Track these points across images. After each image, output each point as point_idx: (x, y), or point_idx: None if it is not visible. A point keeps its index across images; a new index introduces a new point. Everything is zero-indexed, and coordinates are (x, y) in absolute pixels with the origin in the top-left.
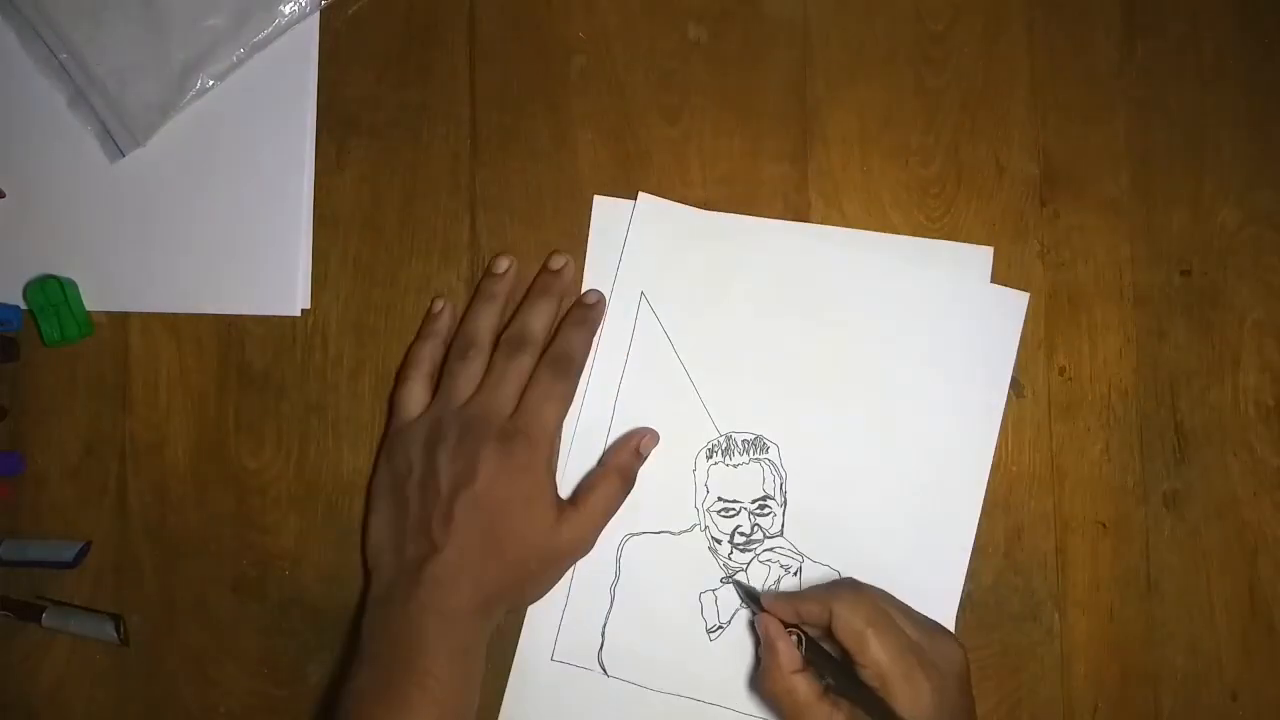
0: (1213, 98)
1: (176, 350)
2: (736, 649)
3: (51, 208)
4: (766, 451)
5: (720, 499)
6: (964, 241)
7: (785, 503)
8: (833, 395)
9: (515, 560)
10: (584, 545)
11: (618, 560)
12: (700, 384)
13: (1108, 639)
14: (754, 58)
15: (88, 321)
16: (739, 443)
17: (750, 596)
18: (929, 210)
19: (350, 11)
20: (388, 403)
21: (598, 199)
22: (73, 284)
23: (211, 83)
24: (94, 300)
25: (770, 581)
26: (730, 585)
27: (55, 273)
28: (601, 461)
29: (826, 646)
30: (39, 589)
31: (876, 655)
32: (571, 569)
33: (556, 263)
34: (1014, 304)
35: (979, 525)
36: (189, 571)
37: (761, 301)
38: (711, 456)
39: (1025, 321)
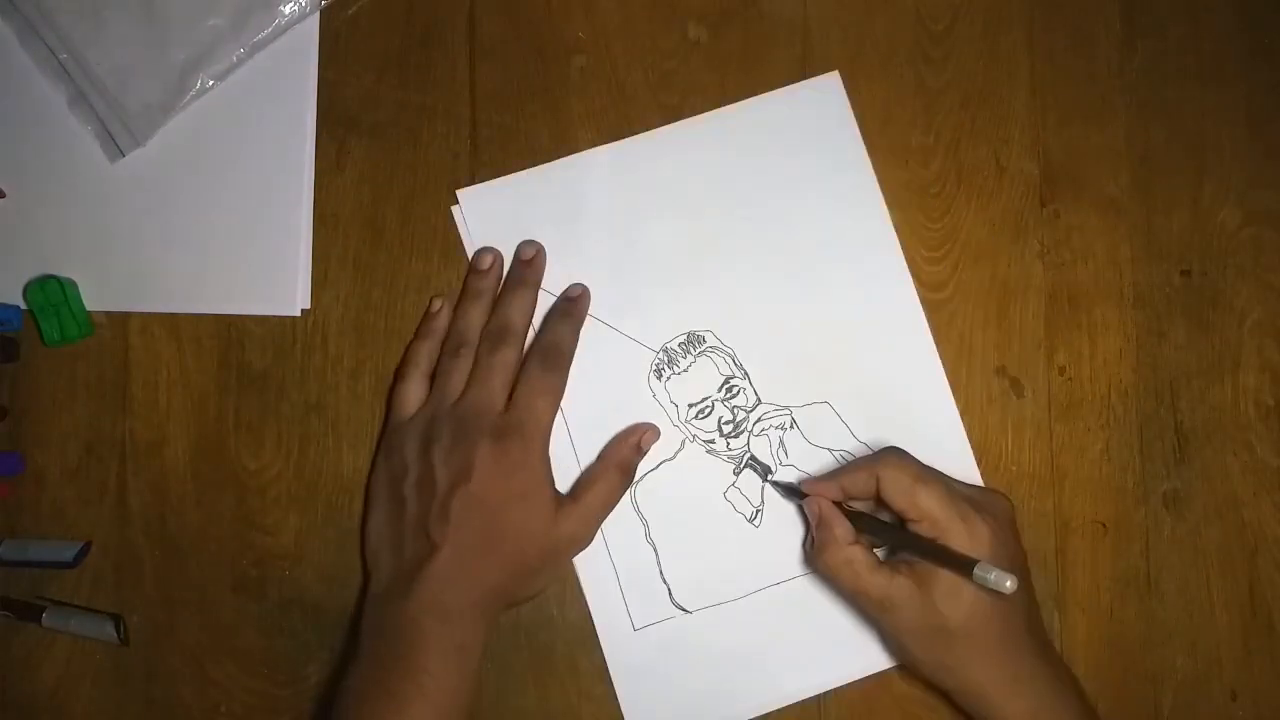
0: (1213, 98)
1: (176, 350)
2: (785, 520)
3: (51, 208)
4: (705, 342)
5: (690, 405)
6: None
7: (747, 373)
8: (731, 259)
9: (513, 556)
10: (582, 540)
11: (637, 510)
12: (613, 320)
13: (1108, 639)
14: (754, 58)
15: (88, 321)
16: (676, 349)
17: (790, 490)
18: (929, 210)
19: (350, 11)
20: (386, 401)
21: (454, 209)
22: (73, 284)
23: (211, 83)
24: (94, 300)
25: (775, 447)
26: (746, 470)
27: (55, 273)
28: (601, 456)
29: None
30: (39, 589)
31: (929, 505)
32: (604, 541)
33: (527, 252)
34: (829, 85)
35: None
36: (189, 571)
37: (623, 219)
38: (661, 374)
39: (1023, 312)
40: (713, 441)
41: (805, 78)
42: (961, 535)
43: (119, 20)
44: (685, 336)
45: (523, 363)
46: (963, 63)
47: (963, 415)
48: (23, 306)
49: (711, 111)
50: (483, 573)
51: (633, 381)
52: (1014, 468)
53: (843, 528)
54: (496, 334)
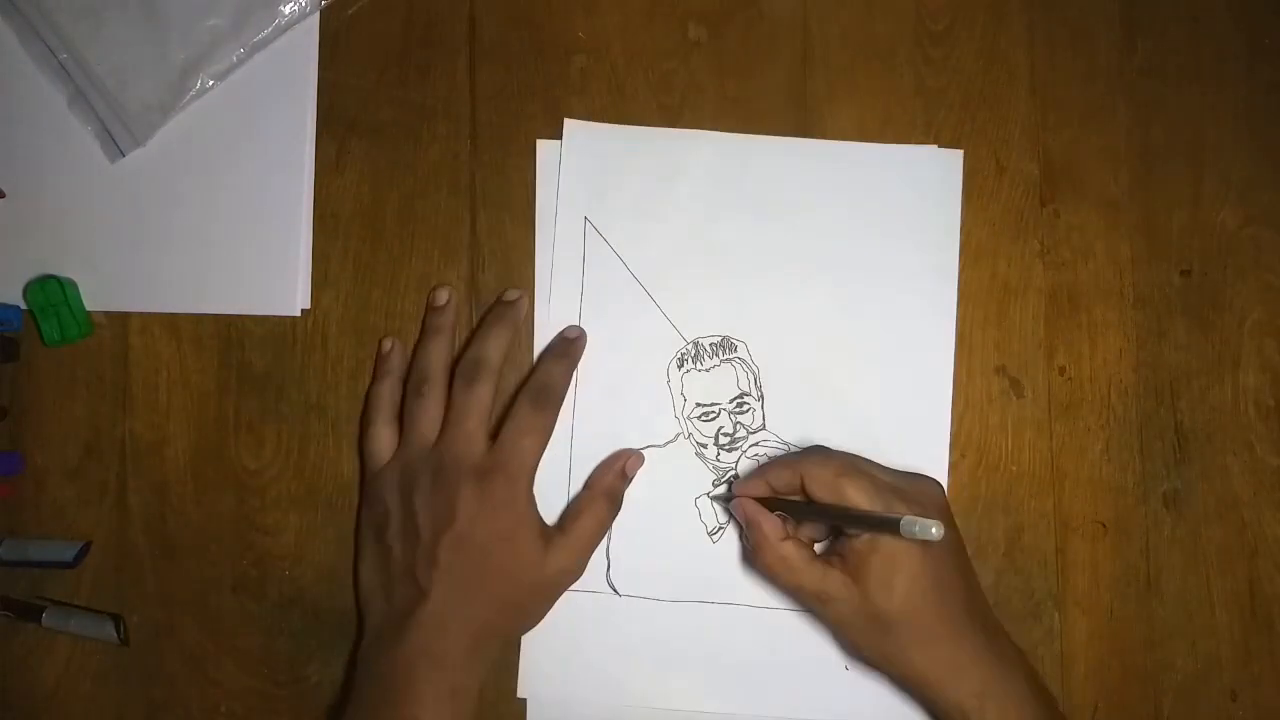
0: (1213, 97)
1: (176, 350)
2: (736, 547)
3: (51, 208)
4: (735, 350)
5: (699, 404)
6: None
7: (762, 397)
8: (792, 285)
9: (504, 597)
10: (573, 572)
11: None
12: (659, 296)
13: (1108, 639)
14: (754, 58)
15: (88, 321)
16: (707, 346)
17: (724, 497)
18: None
19: (350, 11)
20: (357, 449)
21: (540, 143)
22: (73, 284)
23: (211, 83)
24: (94, 300)
25: None
26: (725, 486)
27: (55, 273)
28: (587, 485)
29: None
30: (39, 589)
31: (855, 499)
32: (565, 497)
33: (511, 295)
34: (949, 162)
35: (979, 525)
36: (189, 571)
37: (707, 206)
38: (683, 365)
39: (1023, 312)
40: (705, 447)
41: (805, 78)
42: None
43: (119, 20)
44: (719, 338)
45: (512, 399)
46: (963, 63)
47: (963, 416)
48: (23, 306)
49: (828, 140)
50: (474, 615)
51: (654, 360)
52: (1014, 468)
53: (771, 525)
54: (471, 369)
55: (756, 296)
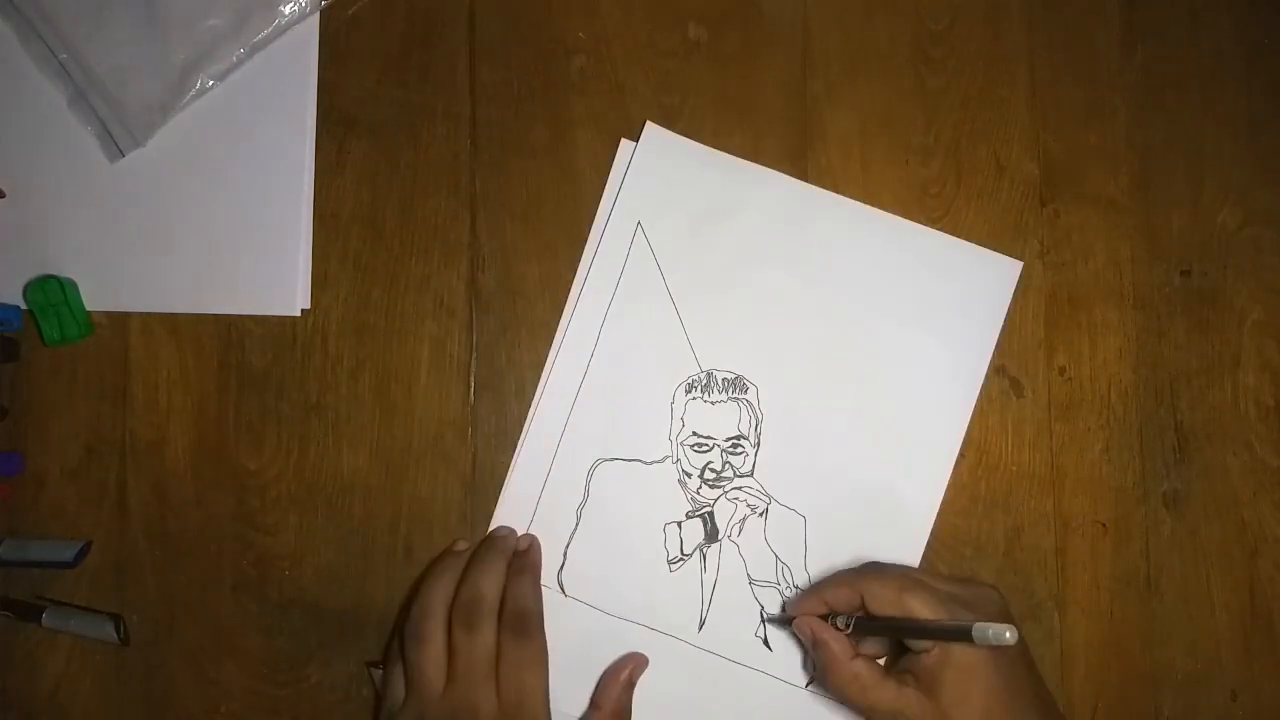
0: (1213, 97)
1: (176, 350)
2: (693, 582)
3: (51, 208)
4: (746, 392)
5: (695, 434)
6: (979, 245)
7: (759, 444)
8: (818, 346)
9: None
10: None
11: (587, 483)
12: (687, 318)
13: (1108, 639)
14: (754, 58)
15: (88, 321)
16: (719, 380)
17: (780, 619)
18: (929, 210)
19: (350, 11)
20: (379, 688)
21: (623, 142)
22: (73, 284)
23: (211, 83)
24: (94, 300)
25: (736, 519)
26: (696, 520)
27: (55, 273)
28: (595, 704)
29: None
30: (39, 589)
31: (920, 613)
32: (541, 486)
33: (500, 533)
34: (1006, 271)
35: (979, 525)
36: (189, 571)
37: (758, 246)
38: (691, 391)
39: (1023, 312)
40: (690, 477)
41: (805, 78)
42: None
43: (119, 20)
44: (733, 375)
45: (497, 639)
46: (963, 63)
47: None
48: (23, 306)
49: (896, 217)
50: None
51: (664, 379)
52: (1014, 468)
53: (840, 644)
54: (470, 611)
55: (781, 346)
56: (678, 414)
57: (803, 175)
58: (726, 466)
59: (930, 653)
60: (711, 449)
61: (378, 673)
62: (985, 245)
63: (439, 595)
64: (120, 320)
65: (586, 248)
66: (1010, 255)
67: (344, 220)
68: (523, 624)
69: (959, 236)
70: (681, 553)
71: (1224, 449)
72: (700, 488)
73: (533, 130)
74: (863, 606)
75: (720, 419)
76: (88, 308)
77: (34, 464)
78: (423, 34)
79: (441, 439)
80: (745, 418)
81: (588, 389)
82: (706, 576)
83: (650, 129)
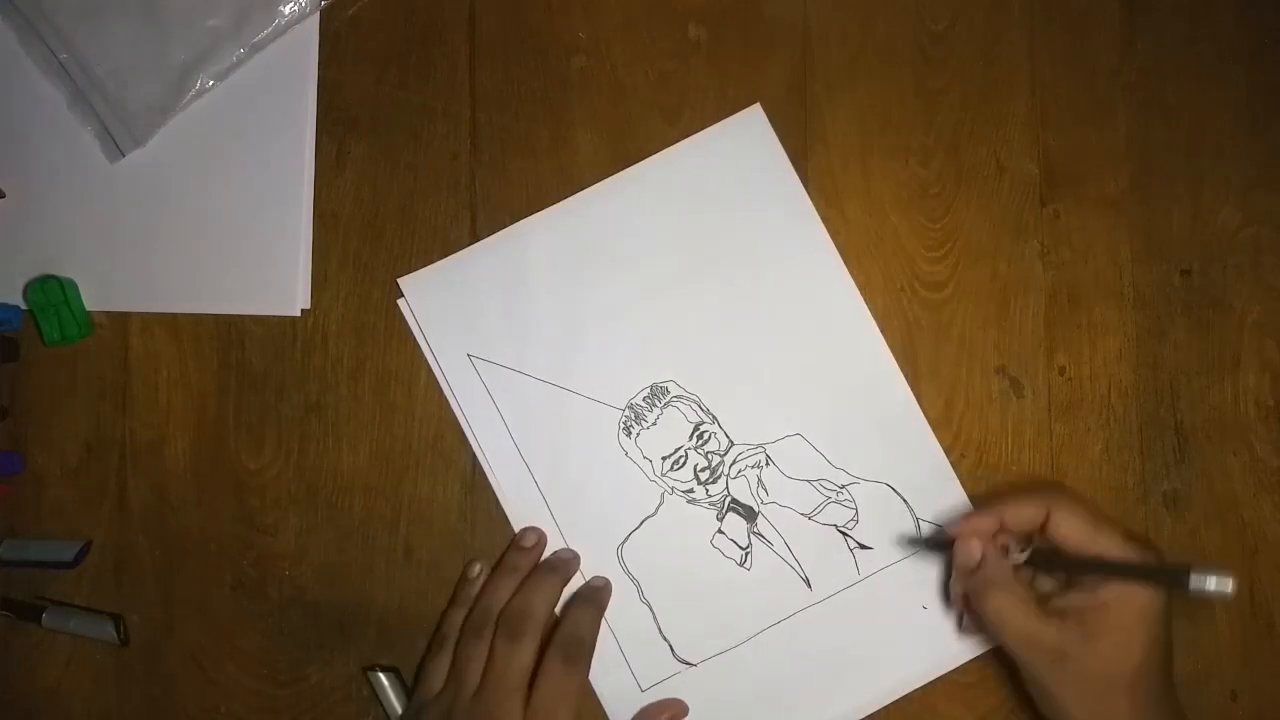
0: (1213, 98)
1: (176, 350)
2: (773, 561)
3: (51, 208)
4: (668, 393)
5: (664, 458)
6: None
7: (715, 417)
8: (682, 307)
9: None
10: None
11: (627, 571)
12: (574, 385)
13: None
14: (754, 58)
15: (88, 321)
16: (641, 404)
17: (936, 543)
18: (929, 210)
19: (350, 11)
20: (416, 670)
21: (400, 302)
22: (73, 284)
23: (211, 83)
24: (94, 300)
25: (754, 486)
26: (729, 514)
27: (55, 273)
28: None
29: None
30: (39, 589)
31: (1113, 554)
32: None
33: (566, 554)
34: (752, 120)
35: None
36: (189, 571)
37: (565, 280)
38: (630, 431)
39: (1023, 312)
40: (692, 490)
41: (805, 78)
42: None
43: (119, 20)
44: (649, 390)
45: (543, 650)
46: (963, 63)
47: (963, 416)
48: (23, 306)
49: (639, 163)
50: None
51: (603, 442)
52: (1014, 468)
53: (1003, 569)
54: (516, 623)
55: (659, 335)
56: (639, 456)
57: (803, 175)
58: (709, 456)
59: (1096, 594)
60: (686, 455)
61: (376, 676)
62: (985, 244)
63: (500, 596)
64: (120, 320)
65: (448, 399)
66: (1010, 255)
67: (344, 220)
68: (573, 650)
69: (958, 239)
70: (741, 548)
71: (1224, 449)
72: (707, 490)
73: (533, 130)
74: (1045, 528)
75: (671, 429)
76: (88, 308)
77: (34, 464)
78: (423, 34)
79: (441, 439)
80: (687, 410)
81: (556, 507)
82: (777, 546)
83: (404, 282)
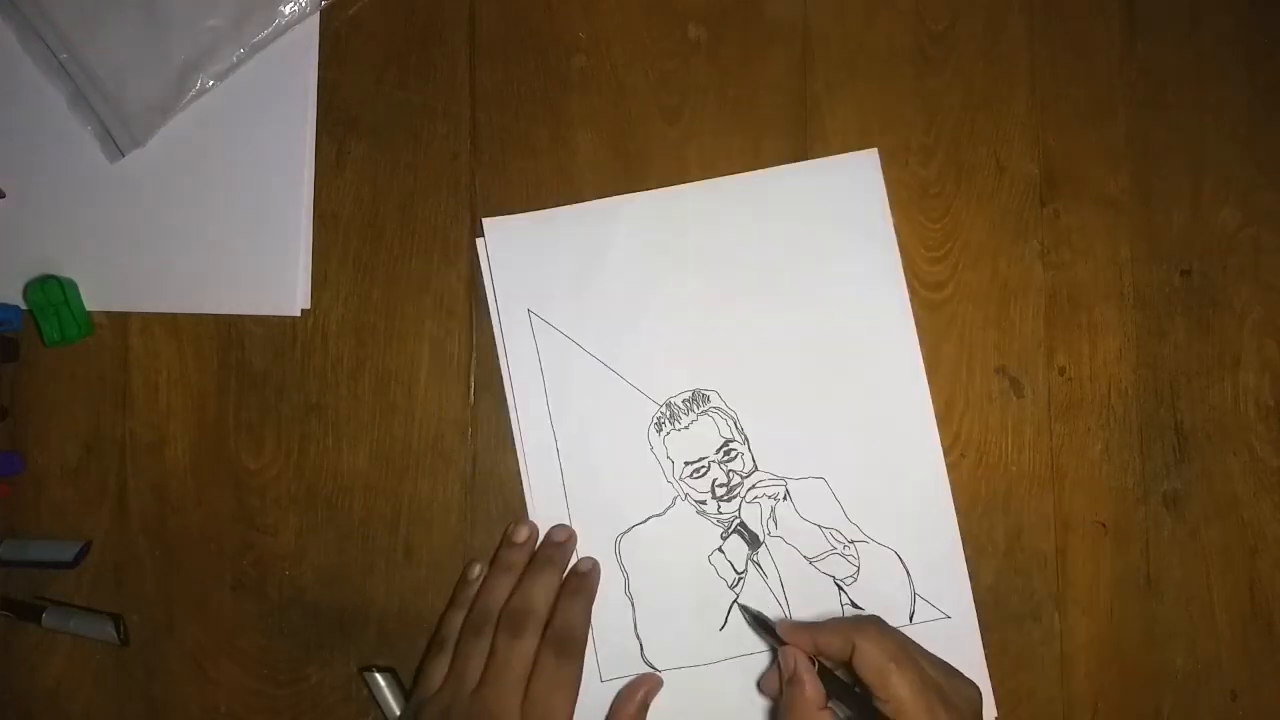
0: (1213, 98)
1: (176, 350)
2: (764, 592)
3: (51, 208)
4: (709, 401)
5: (687, 463)
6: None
7: (747, 439)
8: (747, 323)
9: None
10: None
11: (620, 562)
12: (620, 368)
13: (1108, 639)
14: (754, 58)
15: (88, 321)
16: (680, 405)
17: (765, 627)
18: (929, 210)
19: (350, 11)
20: (415, 672)
21: (479, 241)
22: (73, 284)
23: (211, 83)
24: (94, 300)
25: (766, 516)
26: (734, 536)
27: (55, 273)
28: None
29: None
30: (39, 589)
31: (899, 691)
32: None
33: (559, 535)
34: (867, 164)
35: (979, 525)
36: (189, 571)
37: (644, 267)
38: (661, 428)
39: (1023, 312)
40: (704, 503)
41: (805, 78)
42: None
43: (119, 20)
44: (690, 394)
45: (537, 649)
46: (963, 63)
47: (962, 416)
48: (23, 306)
49: (745, 174)
50: None
51: (632, 431)
52: (1014, 468)
53: (815, 690)
54: (517, 620)
55: (715, 343)
56: (662, 455)
57: None
58: (731, 475)
59: (892, 709)
60: (709, 467)
61: (372, 677)
62: (985, 244)
63: (499, 595)
64: (120, 320)
65: (497, 349)
66: (1010, 255)
67: (344, 220)
68: (566, 644)
69: (958, 239)
70: (736, 572)
71: (1224, 449)
72: (719, 506)
73: (533, 130)
74: (851, 659)
75: (701, 437)
76: (88, 308)
77: (34, 464)
78: (423, 34)
79: (441, 439)
80: (722, 424)
81: (571, 480)
82: (770, 580)
83: (489, 224)
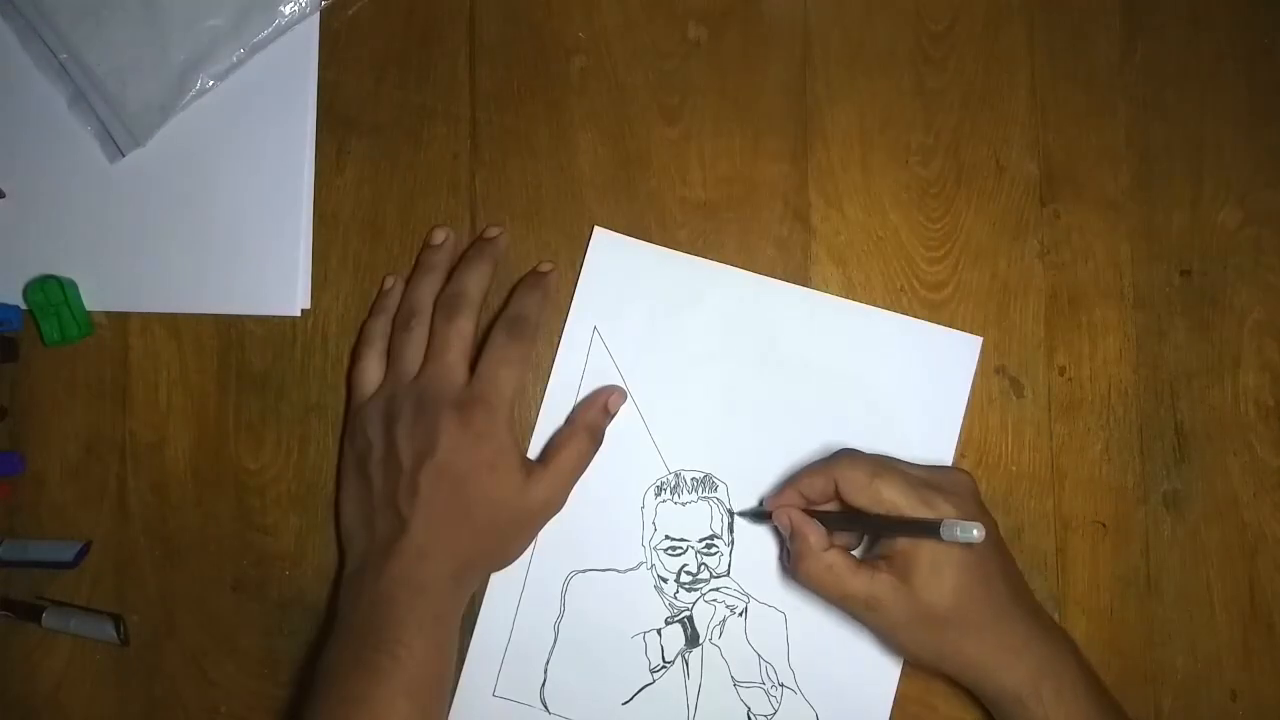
0: (1213, 98)
1: (176, 350)
2: (678, 689)
3: (51, 208)
4: (715, 490)
5: (668, 537)
6: (956, 328)
7: (733, 542)
8: (784, 439)
9: (485, 525)
10: (554, 504)
11: (563, 597)
12: (651, 421)
13: (1108, 639)
14: (754, 58)
15: (88, 321)
16: (688, 480)
17: (757, 515)
18: (929, 210)
19: (350, 11)
20: (345, 381)
21: (598, 230)
22: (73, 284)
23: (211, 83)
24: (94, 300)
25: (715, 621)
26: (676, 626)
27: (55, 273)
28: (569, 419)
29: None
30: (39, 589)
31: (890, 496)
32: (516, 604)
33: (492, 231)
34: (968, 346)
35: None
36: (189, 571)
37: (716, 341)
38: (660, 494)
39: (1023, 312)
40: (666, 581)
41: (805, 78)
42: (927, 517)
43: (119, 20)
44: (702, 475)
45: (487, 333)
46: (963, 63)
47: (962, 416)
48: (23, 306)
49: (852, 302)
50: (455, 543)
51: (632, 483)
52: (1014, 468)
53: (816, 534)
54: (451, 302)
55: (746, 440)
56: (649, 518)
57: (802, 175)
58: (702, 568)
59: (895, 544)
60: (686, 551)
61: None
62: (985, 244)
63: (427, 289)
64: (120, 320)
65: (558, 346)
66: (1010, 255)
67: (344, 220)
68: (518, 326)
69: (958, 239)
70: (663, 660)
71: (1224, 449)
72: (677, 591)
73: (533, 130)
74: (837, 494)
75: (692, 520)
76: (88, 308)
77: (34, 464)
78: (423, 34)
79: None
80: (717, 516)
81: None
82: (690, 682)
83: (599, 234)
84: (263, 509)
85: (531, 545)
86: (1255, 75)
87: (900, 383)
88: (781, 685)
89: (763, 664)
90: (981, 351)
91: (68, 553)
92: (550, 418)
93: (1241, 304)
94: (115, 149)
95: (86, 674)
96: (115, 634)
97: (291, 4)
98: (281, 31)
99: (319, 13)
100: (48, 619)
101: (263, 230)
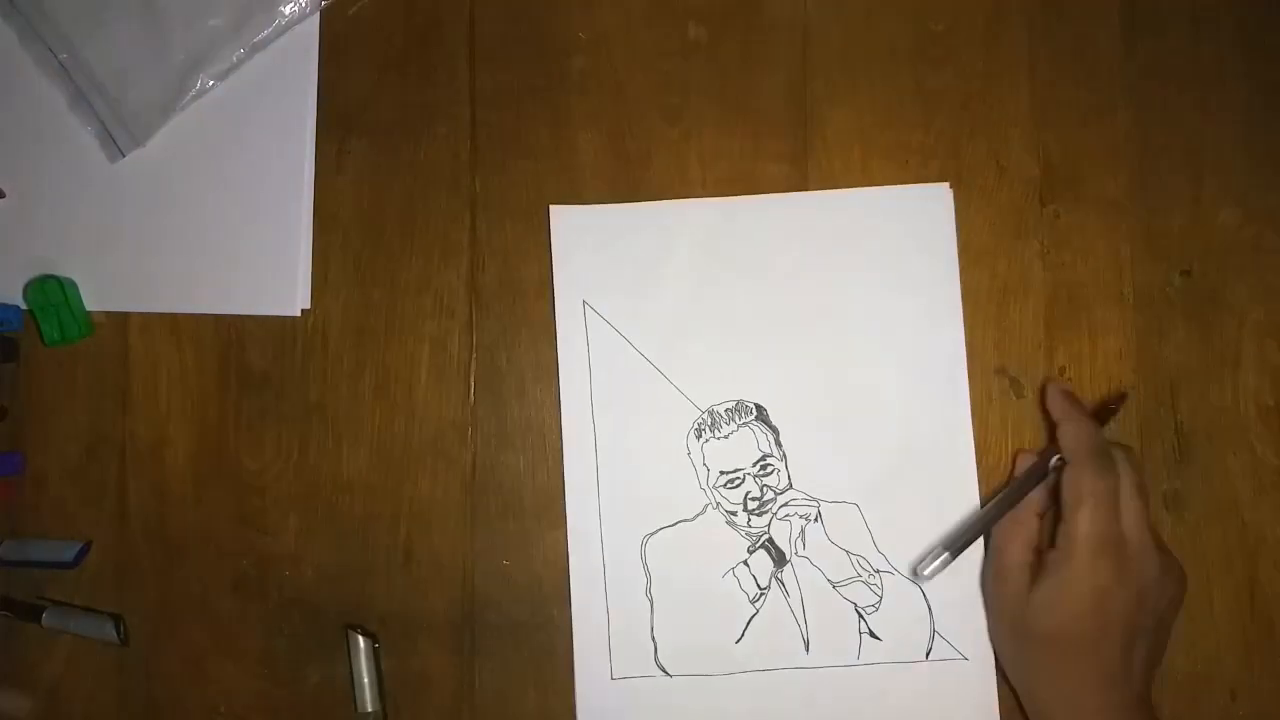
0: (1213, 98)
1: (176, 350)
2: (784, 610)
3: (51, 208)
4: (752, 413)
5: (722, 472)
6: (901, 185)
7: (785, 456)
8: (798, 340)
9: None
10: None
11: (644, 563)
12: (667, 369)
13: None
14: (754, 58)
15: (88, 321)
16: (722, 413)
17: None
18: None
19: (350, 11)
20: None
21: (554, 208)
22: (73, 284)
23: (211, 83)
24: (94, 300)
25: (795, 535)
26: (760, 551)
27: (55, 273)
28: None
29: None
30: (39, 589)
31: (1078, 527)
32: (603, 584)
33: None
34: (938, 197)
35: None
36: (189, 571)
37: (704, 272)
38: (701, 435)
39: (1023, 312)
40: (735, 514)
41: (805, 78)
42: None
43: (119, 20)
44: (733, 404)
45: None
46: (963, 63)
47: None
48: (23, 306)
49: (815, 192)
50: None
51: (671, 434)
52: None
53: (1042, 493)
54: None
55: (765, 356)
56: (699, 461)
57: (802, 175)
58: (765, 490)
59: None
60: (744, 479)
61: (354, 638)
62: (985, 245)
63: None
64: (120, 320)
65: (556, 333)
66: (1010, 255)
67: (344, 220)
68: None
69: (959, 237)
70: (759, 586)
71: (1224, 449)
72: (750, 520)
73: (533, 130)
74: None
75: (740, 449)
76: (88, 308)
77: (34, 464)
78: (423, 34)
79: (441, 439)
80: (762, 437)
81: (605, 475)
82: (792, 600)
83: (556, 210)
84: (263, 509)
85: (599, 523)
86: (1255, 75)
87: (885, 250)
88: (877, 571)
89: (853, 558)
90: (982, 351)
91: (68, 553)
92: (570, 400)
93: (1241, 304)
94: (115, 149)
95: (86, 674)
96: (115, 634)
97: (292, 4)
98: (282, 31)
99: (319, 13)
100: (48, 619)
101: (263, 230)
